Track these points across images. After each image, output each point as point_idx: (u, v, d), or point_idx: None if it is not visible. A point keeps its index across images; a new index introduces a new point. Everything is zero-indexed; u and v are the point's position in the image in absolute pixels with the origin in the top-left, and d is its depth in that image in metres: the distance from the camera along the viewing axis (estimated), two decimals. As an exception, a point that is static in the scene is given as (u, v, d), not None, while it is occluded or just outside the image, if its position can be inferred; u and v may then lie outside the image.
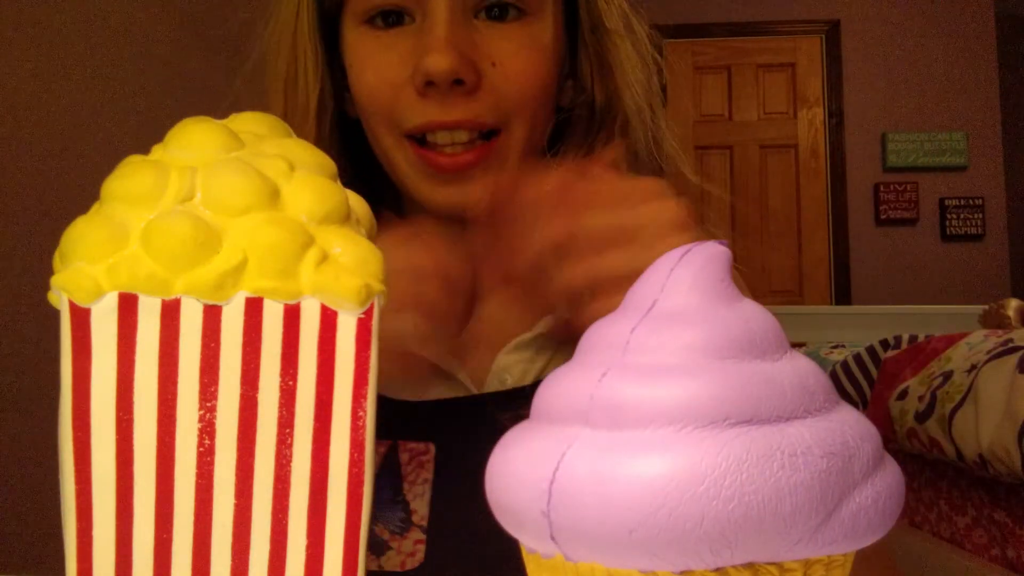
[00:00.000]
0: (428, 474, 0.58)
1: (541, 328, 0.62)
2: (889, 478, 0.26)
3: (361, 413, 0.30)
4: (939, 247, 4.37)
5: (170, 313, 0.29)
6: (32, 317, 1.51)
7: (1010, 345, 1.62)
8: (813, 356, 2.41)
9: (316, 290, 0.30)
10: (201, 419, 0.30)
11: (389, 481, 0.58)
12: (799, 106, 4.47)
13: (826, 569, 0.25)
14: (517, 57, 0.57)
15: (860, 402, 2.12)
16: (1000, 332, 1.81)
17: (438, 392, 0.60)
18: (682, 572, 0.23)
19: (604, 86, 0.62)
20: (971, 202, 4.35)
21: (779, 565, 0.24)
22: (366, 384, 0.30)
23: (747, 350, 0.25)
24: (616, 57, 0.62)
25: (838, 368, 2.23)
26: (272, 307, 0.30)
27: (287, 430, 0.30)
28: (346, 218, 0.32)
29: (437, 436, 0.60)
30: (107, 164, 0.32)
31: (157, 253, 0.29)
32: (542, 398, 0.27)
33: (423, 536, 0.57)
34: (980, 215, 4.34)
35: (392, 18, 0.58)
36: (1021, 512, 1.54)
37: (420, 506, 0.57)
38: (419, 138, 0.58)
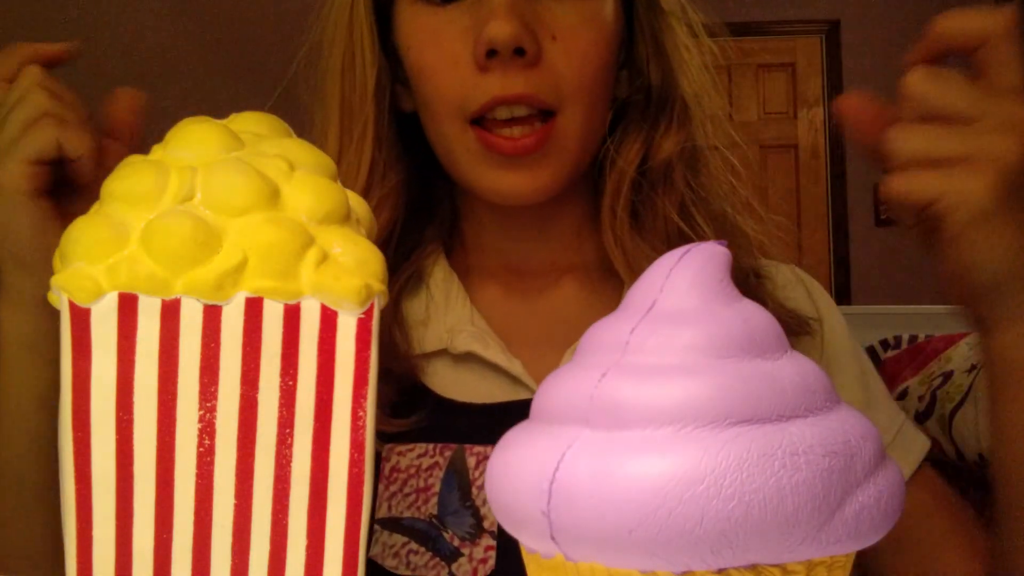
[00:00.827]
0: None
1: None
2: (890, 477, 0.25)
3: (361, 413, 0.30)
4: (939, 247, 4.36)
5: (170, 313, 0.29)
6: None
7: (1010, 345, 1.62)
8: (813, 356, 2.40)
9: (316, 290, 0.30)
10: (201, 419, 0.29)
11: (457, 486, 0.57)
12: (799, 106, 4.47)
13: (828, 571, 0.25)
14: (577, 32, 0.57)
15: (860, 402, 2.12)
16: (1000, 332, 1.81)
17: (504, 394, 0.59)
18: (683, 572, 0.23)
19: (660, 68, 0.62)
20: (971, 202, 4.35)
21: (782, 567, 0.24)
22: (366, 384, 0.30)
23: (747, 349, 0.25)
24: (672, 40, 0.61)
25: (838, 368, 2.22)
26: (272, 307, 0.30)
27: (287, 430, 0.30)
28: (346, 218, 0.32)
29: None
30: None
31: (157, 253, 0.29)
32: (542, 398, 0.27)
33: (494, 543, 0.56)
34: (980, 215, 4.34)
35: None
36: (1021, 512, 1.54)
37: (490, 512, 0.55)
38: (480, 121, 0.57)
